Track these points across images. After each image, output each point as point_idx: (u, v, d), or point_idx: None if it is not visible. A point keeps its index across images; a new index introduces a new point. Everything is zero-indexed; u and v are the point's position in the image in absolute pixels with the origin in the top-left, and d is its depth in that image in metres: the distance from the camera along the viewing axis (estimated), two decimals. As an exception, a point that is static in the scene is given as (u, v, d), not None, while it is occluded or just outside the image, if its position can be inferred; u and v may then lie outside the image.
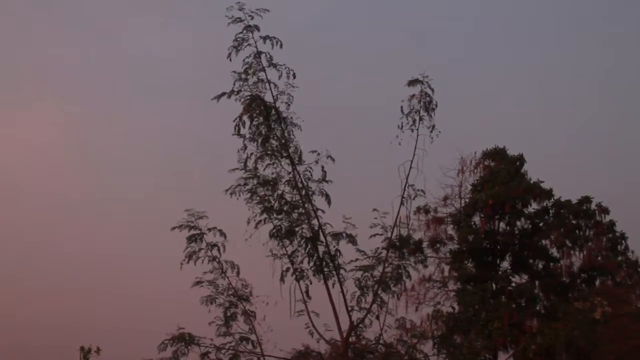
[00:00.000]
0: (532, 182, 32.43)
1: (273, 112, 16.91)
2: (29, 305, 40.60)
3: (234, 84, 16.84)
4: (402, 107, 17.53)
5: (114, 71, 59.16)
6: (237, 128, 16.83)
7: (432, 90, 17.52)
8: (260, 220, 17.48)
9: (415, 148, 17.47)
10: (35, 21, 58.05)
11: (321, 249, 17.65)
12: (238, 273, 17.99)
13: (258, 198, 17.49)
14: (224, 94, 16.76)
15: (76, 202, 50.46)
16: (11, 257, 42.26)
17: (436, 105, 17.59)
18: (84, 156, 53.41)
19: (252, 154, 17.20)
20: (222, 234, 17.79)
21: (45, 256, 44.23)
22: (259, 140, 17.05)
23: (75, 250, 44.22)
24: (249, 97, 16.80)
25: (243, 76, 16.82)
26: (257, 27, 16.69)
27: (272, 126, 17.06)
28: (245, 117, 16.77)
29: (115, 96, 57.58)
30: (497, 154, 33.26)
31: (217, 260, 17.88)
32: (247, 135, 17.01)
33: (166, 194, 46.00)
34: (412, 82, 17.39)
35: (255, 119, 16.92)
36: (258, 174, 17.38)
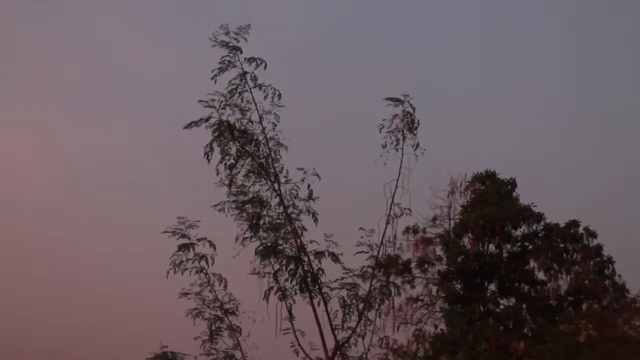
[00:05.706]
0: (522, 205, 32.67)
1: (244, 135, 16.99)
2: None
3: (218, 108, 16.92)
4: (381, 125, 17.67)
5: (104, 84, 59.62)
6: (207, 155, 16.90)
7: (414, 109, 17.69)
8: (247, 237, 17.56)
9: (401, 167, 17.63)
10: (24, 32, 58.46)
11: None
12: (225, 286, 17.88)
13: (246, 215, 17.59)
14: (193, 122, 16.82)
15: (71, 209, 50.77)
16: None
17: (418, 124, 17.77)
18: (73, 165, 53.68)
19: (237, 172, 17.29)
20: (212, 245, 17.67)
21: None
22: (227, 164, 17.11)
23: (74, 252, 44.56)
24: (217, 123, 16.88)
25: (228, 96, 16.93)
26: (240, 49, 16.88)
27: (246, 149, 17.13)
28: (214, 145, 16.89)
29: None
30: (487, 177, 33.49)
31: (205, 272, 17.83)
32: (218, 162, 17.05)
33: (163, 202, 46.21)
34: (394, 100, 17.54)
35: (226, 145, 17.01)
36: (246, 191, 17.50)
